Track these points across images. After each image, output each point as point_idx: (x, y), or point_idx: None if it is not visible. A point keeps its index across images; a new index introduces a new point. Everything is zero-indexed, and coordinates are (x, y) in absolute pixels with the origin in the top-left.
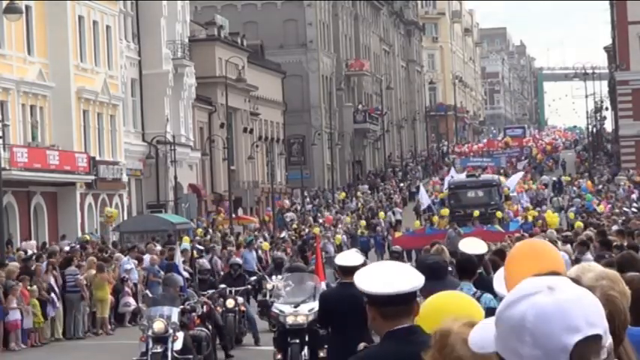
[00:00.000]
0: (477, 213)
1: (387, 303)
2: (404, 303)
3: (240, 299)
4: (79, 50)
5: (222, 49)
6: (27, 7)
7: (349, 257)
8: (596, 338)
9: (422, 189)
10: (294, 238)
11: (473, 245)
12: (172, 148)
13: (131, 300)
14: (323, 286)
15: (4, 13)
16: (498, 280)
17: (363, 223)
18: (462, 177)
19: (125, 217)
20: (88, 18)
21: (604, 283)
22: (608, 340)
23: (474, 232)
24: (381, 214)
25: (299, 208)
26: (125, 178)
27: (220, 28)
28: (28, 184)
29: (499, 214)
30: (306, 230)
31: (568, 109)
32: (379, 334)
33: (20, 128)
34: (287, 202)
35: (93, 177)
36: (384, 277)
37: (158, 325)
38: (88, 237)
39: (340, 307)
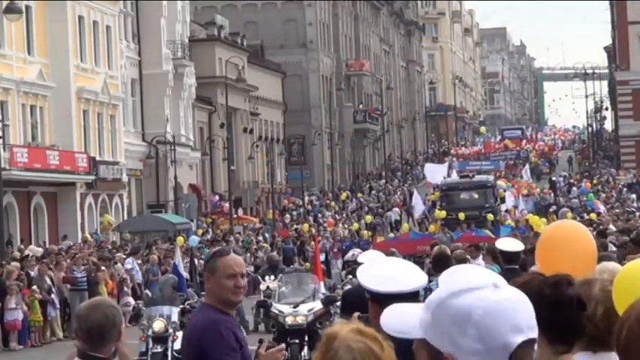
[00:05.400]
0: (462, 216)
1: (387, 301)
2: (405, 302)
3: None
4: (79, 50)
5: (222, 49)
6: (27, 7)
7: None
8: (533, 342)
9: (416, 194)
10: (294, 238)
11: (511, 244)
12: (172, 148)
13: (131, 300)
14: (322, 286)
15: (4, 13)
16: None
17: (356, 225)
18: (454, 178)
19: (125, 218)
20: (88, 18)
21: (605, 277)
22: (535, 345)
23: (462, 237)
24: (368, 217)
25: (301, 206)
26: (125, 178)
27: (220, 28)
28: (28, 184)
29: (501, 218)
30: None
31: (568, 109)
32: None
33: (20, 128)
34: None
35: (93, 177)
36: (386, 274)
37: (158, 325)
38: (88, 236)
39: None
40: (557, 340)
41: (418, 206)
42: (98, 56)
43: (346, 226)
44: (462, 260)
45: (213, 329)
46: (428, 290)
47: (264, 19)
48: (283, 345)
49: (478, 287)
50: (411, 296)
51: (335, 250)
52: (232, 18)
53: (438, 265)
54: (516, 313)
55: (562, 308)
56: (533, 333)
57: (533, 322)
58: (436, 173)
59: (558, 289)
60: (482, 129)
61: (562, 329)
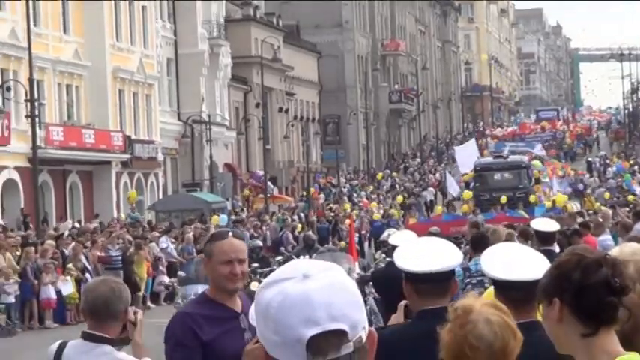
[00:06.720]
0: (504, 199)
1: (420, 280)
2: (438, 281)
3: None
4: (114, 30)
5: (257, 29)
6: None
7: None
8: (339, 333)
9: (448, 176)
10: (330, 218)
11: (546, 224)
12: (208, 127)
13: (165, 278)
14: (356, 266)
15: None
16: (485, 261)
17: (373, 205)
18: (488, 158)
19: (161, 196)
20: None
21: (638, 258)
22: (357, 334)
23: (496, 217)
24: (399, 198)
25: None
26: (161, 157)
27: (256, 8)
28: (64, 163)
29: (533, 197)
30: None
31: (604, 89)
32: (414, 311)
33: (56, 107)
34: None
35: (128, 156)
36: (420, 254)
37: None
38: (123, 216)
39: None
40: (585, 322)
41: (452, 187)
42: (134, 36)
43: (381, 206)
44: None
45: (173, 322)
46: (467, 270)
47: None
48: None
49: (283, 279)
50: (445, 276)
51: (363, 231)
52: None
53: (476, 245)
54: (313, 305)
55: (587, 293)
56: (337, 324)
57: (338, 312)
58: (468, 157)
59: (585, 274)
60: (484, 56)
61: (587, 313)
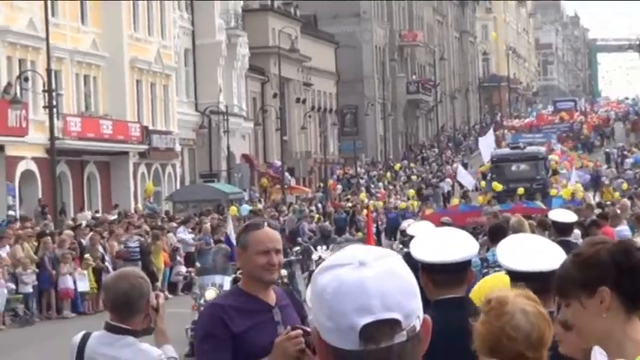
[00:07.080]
0: (521, 190)
1: (436, 271)
2: (454, 272)
3: (283, 272)
4: (132, 20)
5: (275, 19)
6: None
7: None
8: (392, 322)
9: (460, 169)
10: (347, 208)
11: (564, 215)
12: (225, 118)
13: (183, 269)
14: None
15: None
16: (501, 252)
17: (377, 205)
18: (505, 149)
19: (178, 187)
20: None
21: None
22: (411, 323)
23: (513, 208)
24: (411, 191)
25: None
26: (178, 148)
27: None
28: (82, 154)
29: (554, 192)
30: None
31: (622, 80)
32: (430, 301)
33: (74, 98)
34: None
35: (146, 146)
36: (436, 245)
37: (210, 294)
38: (140, 206)
39: None
40: (630, 304)
41: (466, 179)
42: (151, 26)
43: (398, 196)
44: (518, 230)
45: (203, 314)
46: (484, 261)
47: None
48: (296, 332)
49: (340, 265)
50: (460, 266)
51: (380, 222)
52: None
53: (494, 236)
54: (368, 293)
55: (636, 274)
56: (391, 313)
57: (392, 301)
58: (487, 147)
59: (629, 257)
60: (494, 35)
61: (636, 293)
